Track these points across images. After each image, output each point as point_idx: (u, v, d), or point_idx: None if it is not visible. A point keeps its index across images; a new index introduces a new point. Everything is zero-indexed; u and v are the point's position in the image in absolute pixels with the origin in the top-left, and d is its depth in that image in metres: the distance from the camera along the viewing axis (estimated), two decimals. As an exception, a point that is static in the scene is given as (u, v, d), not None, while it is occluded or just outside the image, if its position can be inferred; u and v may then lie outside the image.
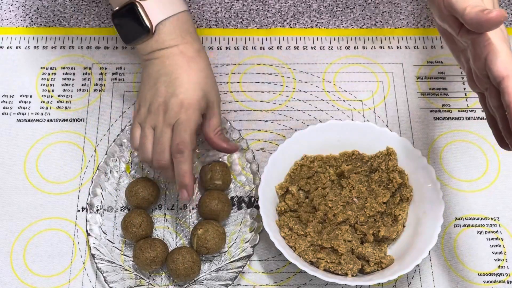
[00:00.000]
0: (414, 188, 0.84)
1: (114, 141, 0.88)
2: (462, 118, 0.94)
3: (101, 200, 0.85)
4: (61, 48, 0.99)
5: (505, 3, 1.06)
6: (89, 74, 0.97)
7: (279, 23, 1.03)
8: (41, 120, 0.93)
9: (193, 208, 0.86)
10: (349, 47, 1.01)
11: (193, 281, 0.80)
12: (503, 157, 0.91)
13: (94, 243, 0.81)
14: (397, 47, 1.01)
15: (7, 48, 0.99)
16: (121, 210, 0.85)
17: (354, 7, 1.05)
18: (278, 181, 0.85)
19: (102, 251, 0.81)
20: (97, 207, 0.84)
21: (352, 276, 0.78)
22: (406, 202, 0.83)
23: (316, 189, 0.84)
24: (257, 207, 0.81)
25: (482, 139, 0.92)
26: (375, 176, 0.85)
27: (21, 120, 0.92)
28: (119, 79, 0.96)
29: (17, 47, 0.99)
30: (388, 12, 1.05)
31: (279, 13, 1.04)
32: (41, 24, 1.02)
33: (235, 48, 1.00)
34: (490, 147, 0.91)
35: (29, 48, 0.99)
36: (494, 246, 0.85)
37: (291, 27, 1.03)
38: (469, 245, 0.85)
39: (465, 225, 0.87)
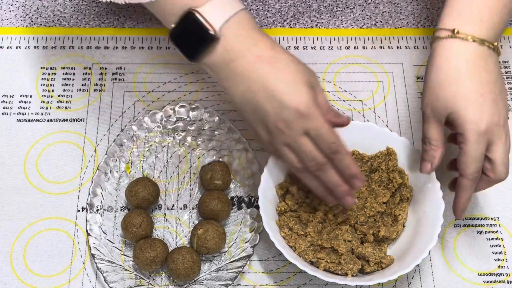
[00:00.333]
0: (414, 188, 0.84)
1: (114, 141, 0.88)
2: (462, 118, 0.94)
3: (101, 200, 0.85)
4: (61, 48, 0.99)
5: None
6: (89, 74, 0.97)
7: (279, 23, 1.03)
8: (41, 120, 0.93)
9: (193, 208, 0.86)
10: (349, 47, 1.01)
11: (193, 281, 0.80)
12: (503, 157, 0.91)
13: (94, 243, 0.81)
14: (397, 47, 1.01)
15: (7, 48, 0.99)
16: (121, 210, 0.85)
17: (354, 7, 1.05)
18: (278, 181, 0.84)
19: (102, 251, 0.81)
20: (97, 207, 0.84)
21: (352, 276, 0.78)
22: (406, 202, 0.83)
23: (316, 189, 0.84)
24: (257, 207, 0.81)
25: (482, 139, 0.92)
26: (375, 176, 0.85)
27: (21, 120, 0.92)
28: (119, 79, 0.96)
29: (17, 47, 0.99)
30: (388, 12, 1.05)
31: (279, 13, 1.04)
32: (41, 24, 1.02)
33: (235, 48, 1.00)
34: (490, 147, 0.91)
35: (29, 48, 0.99)
36: (494, 246, 0.85)
37: (291, 27, 1.03)
38: (469, 245, 0.85)
39: (465, 225, 0.87)
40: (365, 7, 1.05)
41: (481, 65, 0.74)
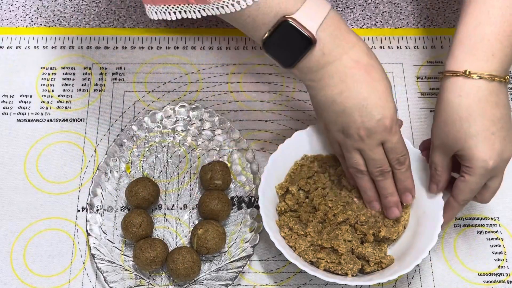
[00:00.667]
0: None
1: (114, 141, 0.88)
2: (462, 118, 0.94)
3: (101, 200, 0.85)
4: (61, 48, 0.99)
5: None
6: (89, 74, 0.97)
7: (279, 23, 1.03)
8: (41, 120, 0.93)
9: (193, 208, 0.86)
10: (349, 47, 1.00)
11: (193, 281, 0.80)
12: (503, 157, 0.91)
13: (94, 243, 0.81)
14: (397, 47, 1.01)
15: (7, 48, 0.99)
16: (121, 210, 0.85)
17: (354, 7, 1.05)
18: (278, 181, 0.84)
19: (102, 251, 0.81)
20: (97, 207, 0.84)
21: (352, 276, 0.78)
22: (409, 208, 0.83)
23: (316, 189, 0.84)
24: (257, 207, 0.81)
25: (482, 139, 0.92)
26: None
27: (21, 120, 0.92)
28: (119, 79, 0.96)
29: (17, 47, 0.99)
30: (388, 12, 1.05)
31: (279, 13, 1.04)
32: (41, 24, 1.02)
33: (235, 48, 1.00)
34: (490, 147, 0.91)
35: (29, 48, 0.99)
36: (494, 246, 0.85)
37: (291, 27, 1.02)
38: (469, 245, 0.85)
39: (465, 225, 0.87)
40: (365, 7, 1.05)
41: (493, 101, 0.74)
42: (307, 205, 0.83)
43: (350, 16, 1.04)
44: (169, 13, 0.74)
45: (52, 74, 0.97)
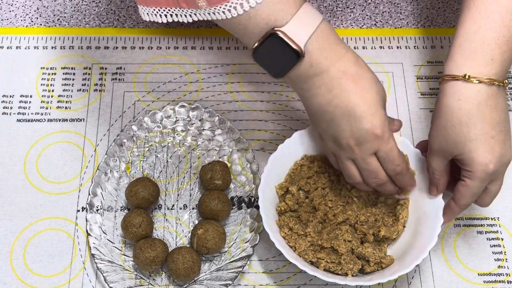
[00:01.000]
0: (414, 188, 0.84)
1: (114, 141, 0.88)
2: (462, 118, 0.94)
3: (101, 200, 0.85)
4: (61, 48, 0.99)
5: None
6: (89, 74, 0.97)
7: (279, 23, 1.03)
8: (41, 120, 0.93)
9: (193, 208, 0.86)
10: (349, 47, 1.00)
11: (193, 281, 0.80)
12: (503, 157, 0.91)
13: (94, 243, 0.81)
14: (397, 47, 1.01)
15: (7, 48, 0.99)
16: (121, 210, 0.85)
17: (354, 7, 1.05)
18: (278, 181, 0.84)
19: (102, 251, 0.81)
20: (97, 207, 0.84)
21: (352, 276, 0.78)
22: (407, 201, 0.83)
23: (316, 189, 0.84)
24: (257, 207, 0.81)
25: (482, 139, 0.92)
26: None
27: (21, 120, 0.92)
28: (119, 79, 0.96)
29: (17, 47, 0.99)
30: (388, 12, 1.05)
31: (279, 13, 1.04)
32: (41, 24, 1.02)
33: (235, 48, 1.00)
34: (490, 147, 0.91)
35: (29, 48, 0.99)
36: (494, 246, 0.85)
37: (291, 27, 1.02)
38: (469, 245, 0.85)
39: (465, 225, 0.87)
40: (365, 7, 1.05)
41: (492, 105, 0.74)
42: (307, 205, 0.83)
43: (350, 16, 1.04)
44: (160, 15, 0.74)
45: (52, 74, 0.97)
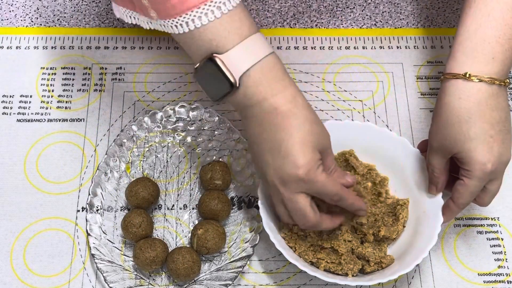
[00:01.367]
0: (414, 188, 0.84)
1: (114, 141, 0.88)
2: (462, 118, 0.94)
3: (101, 200, 0.85)
4: (61, 48, 0.99)
5: None
6: (89, 74, 0.97)
7: (279, 23, 1.03)
8: (41, 120, 0.93)
9: (193, 208, 0.86)
10: (349, 47, 1.01)
11: (193, 281, 0.80)
12: (503, 157, 0.91)
13: (94, 243, 0.81)
14: (397, 47, 1.01)
15: (7, 48, 0.99)
16: (121, 210, 0.85)
17: (354, 7, 1.05)
18: (278, 181, 0.84)
19: (102, 251, 0.81)
20: (97, 207, 0.84)
21: (353, 276, 0.78)
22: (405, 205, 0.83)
23: (316, 189, 0.84)
24: (257, 207, 0.81)
25: (482, 139, 0.92)
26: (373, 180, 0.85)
27: (21, 120, 0.92)
28: (119, 79, 0.96)
29: (17, 47, 0.99)
30: (388, 12, 1.05)
31: (279, 13, 1.04)
32: (41, 24, 1.02)
33: (235, 48, 1.00)
34: (490, 147, 0.91)
35: (29, 48, 0.99)
36: (494, 246, 0.85)
37: (291, 27, 1.03)
38: (469, 245, 0.85)
39: (465, 225, 0.87)
40: (365, 7, 1.05)
41: (492, 104, 0.74)
42: (307, 205, 0.83)
43: (350, 16, 1.04)
44: (127, 16, 0.75)
45: (52, 74, 0.97)
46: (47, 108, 0.94)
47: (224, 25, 0.69)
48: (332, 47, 1.00)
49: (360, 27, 1.03)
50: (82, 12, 1.03)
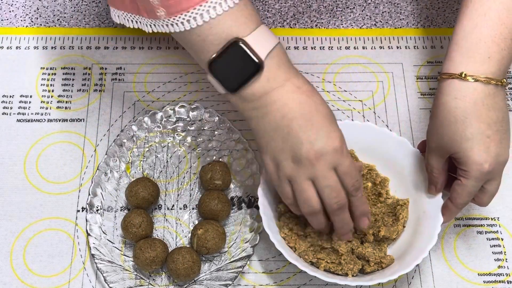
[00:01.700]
0: (414, 188, 0.84)
1: (114, 141, 0.88)
2: (462, 118, 0.94)
3: (101, 200, 0.85)
4: (61, 48, 0.99)
5: None
6: (89, 74, 0.97)
7: (279, 23, 1.03)
8: (41, 120, 0.93)
9: (193, 208, 0.86)
10: (349, 47, 1.01)
11: (193, 281, 0.80)
12: (503, 157, 0.91)
13: (94, 243, 0.81)
14: (397, 47, 1.01)
15: (7, 48, 0.99)
16: (121, 210, 0.85)
17: (354, 7, 1.05)
18: (278, 181, 0.84)
19: (102, 251, 0.81)
20: (97, 207, 0.84)
21: (353, 276, 0.78)
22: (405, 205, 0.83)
23: (316, 189, 0.84)
24: (257, 207, 0.81)
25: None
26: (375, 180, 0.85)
27: (21, 120, 0.92)
28: (119, 79, 0.96)
29: (17, 47, 0.99)
30: (388, 12, 1.05)
31: (279, 13, 1.04)
32: (41, 24, 1.02)
33: (235, 48, 1.00)
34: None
35: (29, 48, 0.99)
36: (494, 246, 0.85)
37: (291, 27, 1.03)
38: (469, 245, 0.85)
39: (465, 225, 0.87)
40: (365, 7, 1.05)
41: (489, 104, 0.73)
42: (307, 205, 0.83)
43: (350, 16, 1.04)
44: (128, 20, 0.75)
45: (52, 74, 0.97)
46: (47, 108, 0.94)
47: (241, 11, 0.70)
48: (332, 47, 1.00)
49: (360, 27, 1.03)
50: (82, 12, 1.03)
